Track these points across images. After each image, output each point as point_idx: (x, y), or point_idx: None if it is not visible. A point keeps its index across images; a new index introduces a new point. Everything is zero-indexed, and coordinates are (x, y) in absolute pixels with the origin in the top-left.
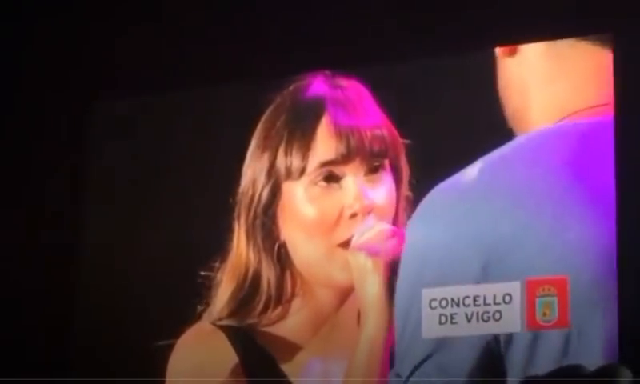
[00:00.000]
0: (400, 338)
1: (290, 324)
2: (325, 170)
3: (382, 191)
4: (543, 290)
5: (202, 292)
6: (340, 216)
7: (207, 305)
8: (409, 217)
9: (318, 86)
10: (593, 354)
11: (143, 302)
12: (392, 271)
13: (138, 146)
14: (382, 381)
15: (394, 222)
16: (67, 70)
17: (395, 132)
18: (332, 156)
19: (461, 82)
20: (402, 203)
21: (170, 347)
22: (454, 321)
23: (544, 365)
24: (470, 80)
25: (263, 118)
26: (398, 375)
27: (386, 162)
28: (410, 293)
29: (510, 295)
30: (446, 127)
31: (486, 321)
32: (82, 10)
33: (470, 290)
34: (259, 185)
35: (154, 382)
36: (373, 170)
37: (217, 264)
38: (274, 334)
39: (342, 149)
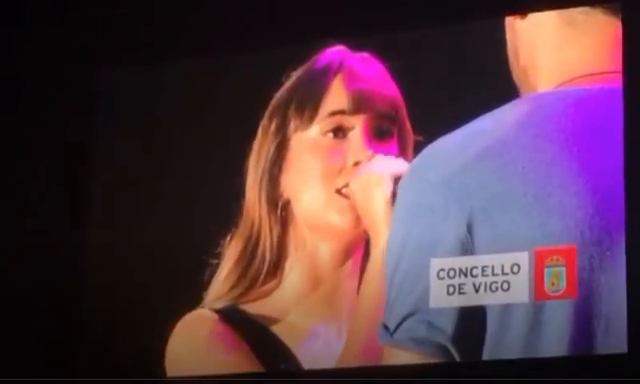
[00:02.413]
0: (389, 289)
1: (288, 283)
2: (334, 119)
3: (390, 151)
4: (552, 259)
5: (205, 281)
6: (344, 165)
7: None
8: None
9: (332, 54)
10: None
11: (147, 291)
12: (397, 183)
13: (143, 125)
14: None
15: None
16: (70, 42)
17: (403, 102)
18: (343, 106)
19: (471, 49)
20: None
21: None
22: (462, 291)
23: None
24: (480, 47)
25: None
26: (385, 327)
27: (394, 130)
28: (399, 246)
29: (518, 265)
30: (454, 92)
31: (494, 291)
32: None
33: (478, 260)
34: (266, 140)
35: (157, 381)
36: (381, 132)
37: (224, 242)
38: (271, 301)
39: (353, 101)
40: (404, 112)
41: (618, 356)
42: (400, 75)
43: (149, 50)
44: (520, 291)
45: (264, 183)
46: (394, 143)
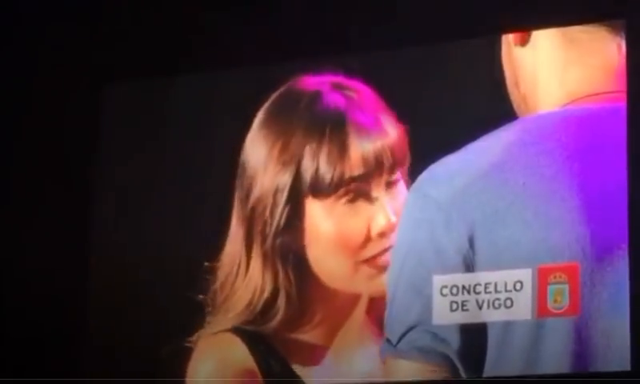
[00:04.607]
0: (390, 305)
1: (312, 331)
2: (353, 185)
3: (401, 201)
4: (555, 277)
5: (205, 288)
6: (368, 234)
7: (212, 307)
8: None
9: (333, 96)
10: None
11: (154, 299)
12: None
13: (148, 135)
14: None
15: None
16: (78, 57)
17: (402, 129)
18: (361, 171)
19: (470, 66)
20: None
21: (182, 350)
22: (465, 308)
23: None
24: (478, 65)
25: (266, 120)
26: (388, 341)
27: (399, 173)
28: (400, 262)
29: (521, 282)
30: (450, 112)
31: (497, 308)
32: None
33: (481, 277)
34: (280, 200)
35: (162, 382)
36: (391, 183)
37: (216, 263)
38: (294, 339)
39: (369, 165)
40: (404, 148)
41: (621, 373)
42: (394, 99)
43: (152, 64)
44: (523, 308)
45: (276, 244)
46: (402, 185)
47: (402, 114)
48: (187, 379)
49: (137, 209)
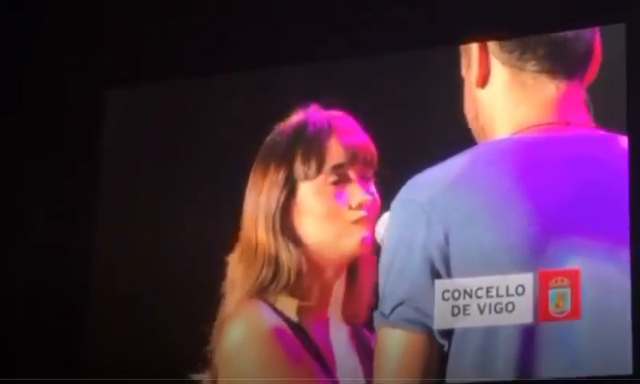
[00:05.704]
0: (383, 286)
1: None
2: (337, 170)
3: (373, 190)
4: (556, 281)
5: (217, 286)
6: (348, 205)
7: (223, 297)
8: None
9: (318, 114)
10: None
11: (158, 300)
12: None
13: (153, 136)
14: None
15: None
16: (81, 59)
17: (374, 149)
18: (342, 160)
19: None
20: None
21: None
22: (466, 312)
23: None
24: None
25: (265, 147)
26: (381, 313)
27: (372, 173)
28: (392, 251)
29: (522, 286)
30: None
31: (498, 312)
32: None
33: (483, 281)
34: (273, 191)
35: (156, 382)
36: (366, 177)
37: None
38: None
39: (349, 155)
40: (375, 155)
41: (623, 378)
42: (369, 123)
43: (155, 68)
44: (524, 312)
45: (277, 225)
46: (373, 185)
47: (370, 123)
48: (220, 346)
49: (140, 213)
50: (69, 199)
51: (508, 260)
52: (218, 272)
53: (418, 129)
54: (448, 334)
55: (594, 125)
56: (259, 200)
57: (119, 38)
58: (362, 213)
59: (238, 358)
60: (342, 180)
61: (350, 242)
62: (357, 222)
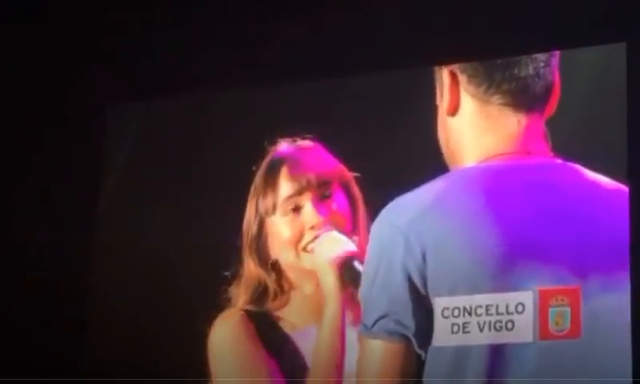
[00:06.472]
0: (365, 299)
1: (290, 310)
2: (289, 202)
3: (334, 206)
4: (556, 299)
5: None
6: (303, 230)
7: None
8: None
9: (281, 149)
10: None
11: (157, 303)
12: (343, 268)
13: (152, 148)
14: (342, 346)
15: (354, 231)
16: (82, 73)
17: (343, 168)
18: (291, 192)
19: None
20: (362, 218)
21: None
22: (466, 330)
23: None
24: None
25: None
26: (365, 325)
27: (334, 188)
28: (374, 269)
29: (522, 304)
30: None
31: (498, 330)
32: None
33: (483, 299)
34: (250, 223)
35: (157, 382)
36: (324, 197)
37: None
38: (281, 317)
39: (296, 186)
40: (341, 173)
41: None
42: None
43: (156, 83)
44: (524, 330)
45: (253, 252)
46: (339, 196)
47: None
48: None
49: (141, 217)
50: (70, 205)
51: (479, 278)
52: (218, 274)
53: (395, 152)
54: (425, 344)
55: (551, 154)
56: (246, 224)
57: (121, 52)
58: (316, 232)
59: (220, 357)
60: (296, 208)
61: (310, 265)
62: (310, 243)
